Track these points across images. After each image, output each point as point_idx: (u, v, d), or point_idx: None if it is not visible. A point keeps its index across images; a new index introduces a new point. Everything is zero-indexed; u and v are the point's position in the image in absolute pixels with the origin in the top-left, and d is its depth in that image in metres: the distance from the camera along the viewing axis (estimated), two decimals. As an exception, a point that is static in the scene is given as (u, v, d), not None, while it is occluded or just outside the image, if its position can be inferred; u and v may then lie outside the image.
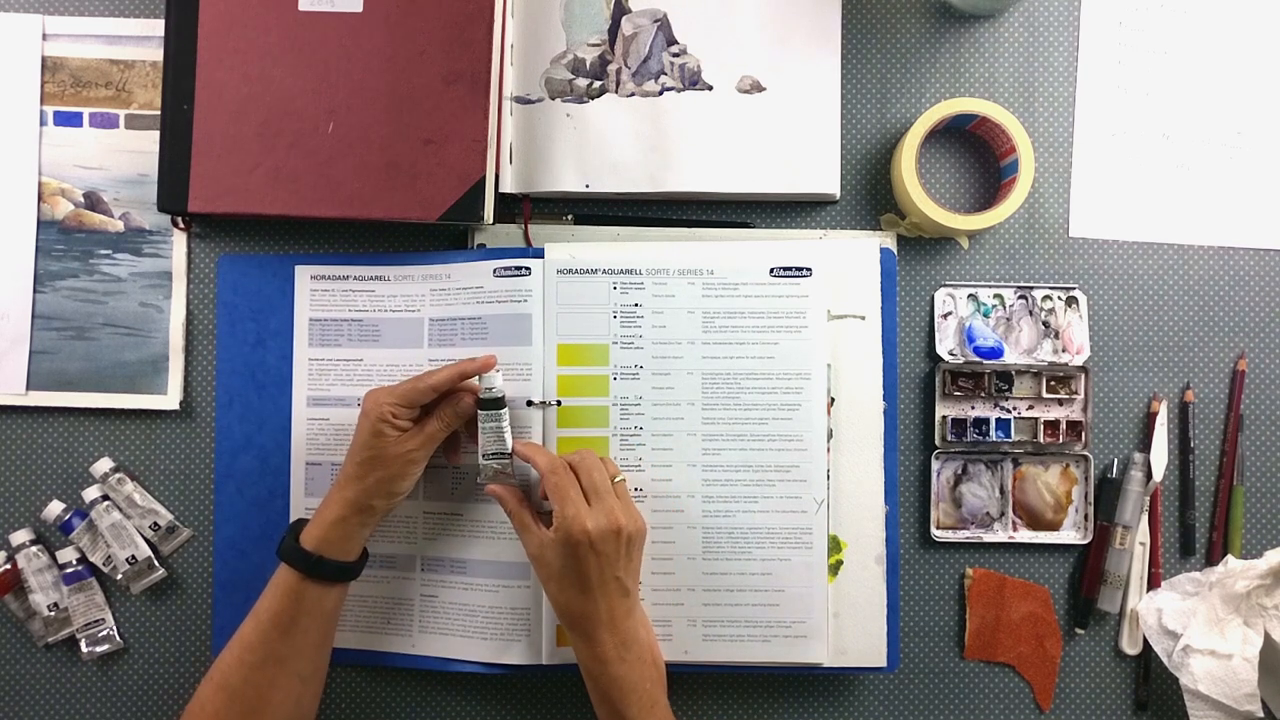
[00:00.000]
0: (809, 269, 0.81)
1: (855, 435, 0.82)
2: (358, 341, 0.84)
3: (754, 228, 0.86)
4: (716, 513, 0.80)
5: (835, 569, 0.81)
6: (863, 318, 0.82)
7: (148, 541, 0.84)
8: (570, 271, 0.81)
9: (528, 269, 0.81)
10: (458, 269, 0.83)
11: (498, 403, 0.77)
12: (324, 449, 0.84)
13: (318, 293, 0.85)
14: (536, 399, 0.80)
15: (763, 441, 0.81)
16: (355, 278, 0.84)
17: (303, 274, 0.85)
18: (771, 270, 0.81)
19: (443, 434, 0.77)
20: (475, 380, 0.77)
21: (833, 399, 0.82)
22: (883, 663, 0.81)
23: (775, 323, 0.81)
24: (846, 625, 0.81)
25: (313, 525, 0.75)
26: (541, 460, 0.76)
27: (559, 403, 0.81)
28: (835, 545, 0.81)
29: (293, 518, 0.84)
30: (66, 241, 0.86)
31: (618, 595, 0.74)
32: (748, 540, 0.80)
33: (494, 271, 0.82)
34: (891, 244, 0.85)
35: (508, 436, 0.77)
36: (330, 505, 0.75)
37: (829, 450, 0.81)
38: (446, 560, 0.82)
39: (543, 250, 0.82)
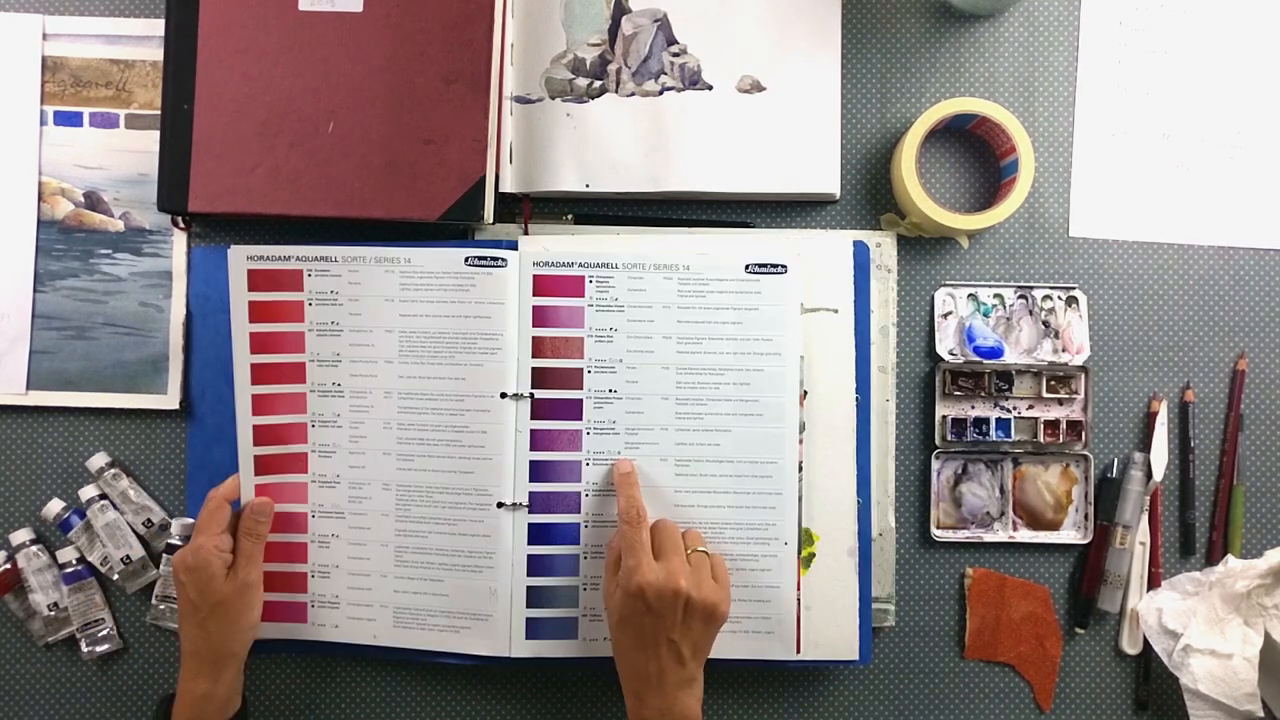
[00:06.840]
0: (784, 265, 0.81)
1: (828, 428, 0.82)
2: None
3: (754, 228, 0.86)
4: (689, 505, 0.80)
5: (808, 562, 0.81)
6: (835, 311, 0.82)
7: (141, 539, 0.84)
8: (545, 264, 0.81)
9: (503, 260, 0.81)
10: (420, 254, 0.81)
11: None
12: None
13: (256, 274, 0.81)
14: (510, 391, 0.80)
15: (735, 435, 0.80)
16: (298, 258, 0.82)
17: (237, 255, 0.81)
18: (747, 266, 0.81)
19: (258, 548, 0.77)
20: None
21: (805, 392, 0.81)
22: (855, 655, 0.81)
23: (749, 316, 0.81)
24: (818, 618, 0.81)
25: (185, 705, 0.74)
26: (621, 503, 0.76)
27: (532, 395, 0.81)
28: (807, 538, 0.81)
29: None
30: (66, 241, 0.86)
31: (671, 659, 0.72)
32: (720, 533, 0.80)
33: (465, 260, 0.81)
34: (892, 243, 0.85)
35: None
36: (191, 685, 0.74)
37: (801, 443, 0.81)
38: (410, 549, 0.81)
39: (516, 242, 0.82)
